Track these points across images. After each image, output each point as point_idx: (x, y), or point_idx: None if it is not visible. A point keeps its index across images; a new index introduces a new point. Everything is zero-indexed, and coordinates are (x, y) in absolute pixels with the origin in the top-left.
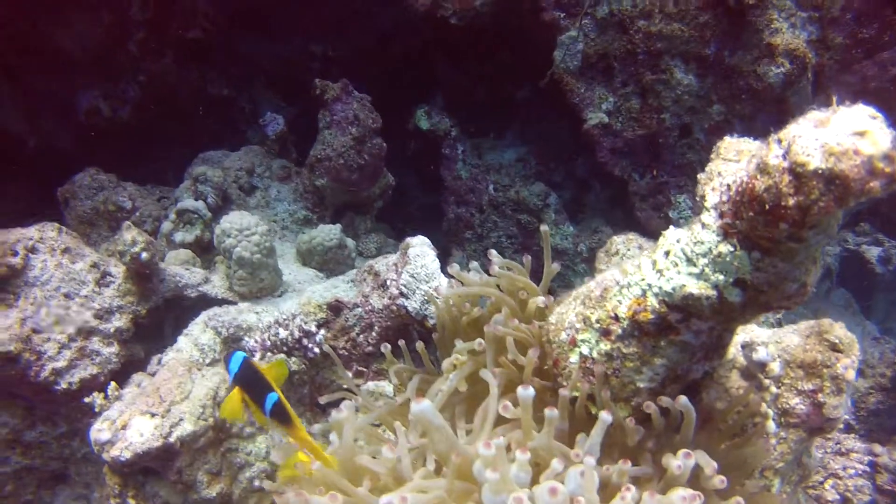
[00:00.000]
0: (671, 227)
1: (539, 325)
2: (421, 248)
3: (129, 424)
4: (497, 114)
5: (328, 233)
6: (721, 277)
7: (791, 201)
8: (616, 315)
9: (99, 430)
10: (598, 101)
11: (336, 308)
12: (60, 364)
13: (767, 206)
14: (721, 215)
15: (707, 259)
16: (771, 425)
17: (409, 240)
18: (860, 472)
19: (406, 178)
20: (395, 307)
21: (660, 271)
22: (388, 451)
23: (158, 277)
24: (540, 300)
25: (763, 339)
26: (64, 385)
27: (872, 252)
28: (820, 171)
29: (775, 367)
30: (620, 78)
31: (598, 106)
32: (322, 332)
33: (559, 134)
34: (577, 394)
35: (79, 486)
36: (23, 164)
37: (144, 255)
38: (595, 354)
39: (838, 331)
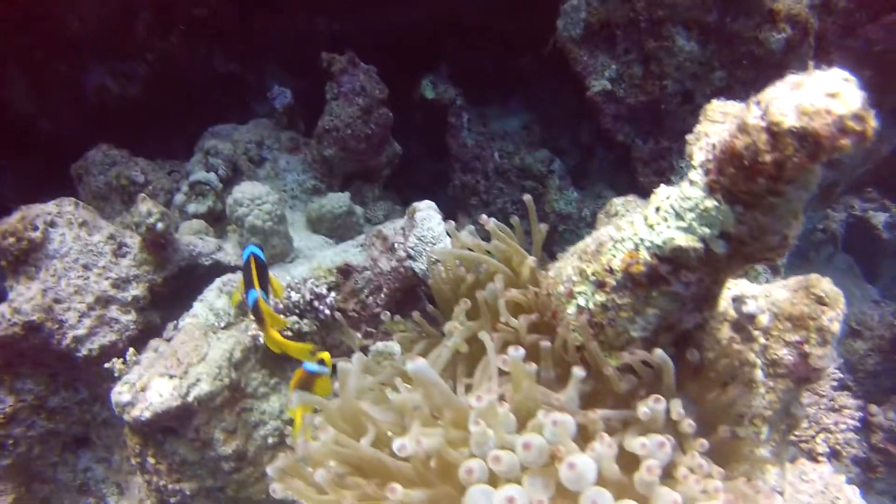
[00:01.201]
0: (662, 185)
1: (534, 290)
2: (427, 213)
3: (149, 386)
4: (502, 83)
5: (337, 201)
6: (707, 230)
7: (768, 157)
8: (611, 268)
9: (119, 393)
10: (601, 69)
11: (346, 272)
12: (81, 332)
13: (747, 163)
14: (707, 172)
15: (694, 213)
16: (759, 374)
17: (415, 204)
18: (851, 427)
19: (413, 148)
20: (402, 269)
21: (651, 226)
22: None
23: (173, 247)
24: (531, 260)
25: (753, 293)
26: (84, 352)
27: (879, 218)
28: (794, 130)
29: (763, 318)
30: (623, 45)
31: (600, 73)
32: (333, 294)
33: (563, 101)
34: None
35: (100, 448)
36: (35, 143)
37: (160, 225)
38: (591, 305)
39: (825, 285)
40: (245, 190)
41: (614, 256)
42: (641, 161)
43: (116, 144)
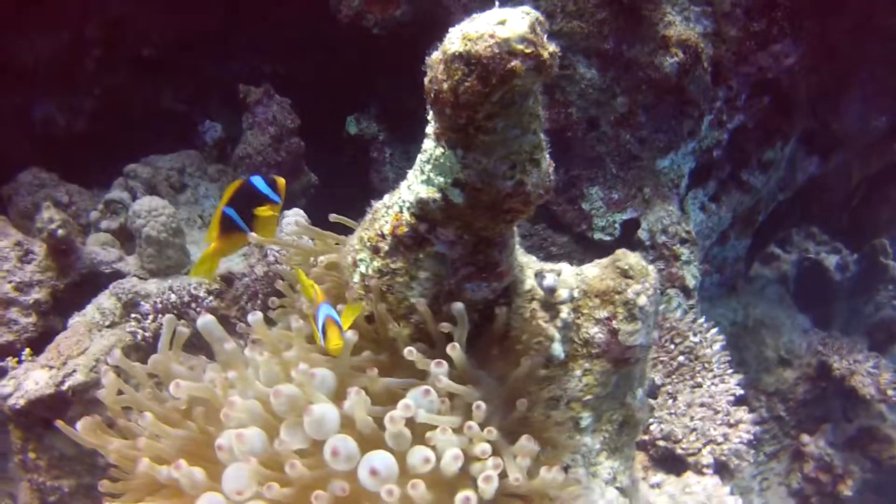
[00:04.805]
0: None
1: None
2: (294, 218)
3: (28, 377)
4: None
5: None
6: (441, 179)
7: (445, 86)
8: (382, 233)
9: (3, 386)
10: None
11: (228, 279)
12: None
13: (433, 96)
14: (434, 122)
15: (430, 165)
16: (557, 347)
17: (285, 212)
18: (743, 440)
19: (351, 187)
20: (272, 273)
21: (409, 186)
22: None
23: (76, 255)
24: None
25: (554, 268)
26: None
27: (831, 260)
28: (458, 54)
29: (563, 292)
30: None
31: None
32: (211, 298)
33: None
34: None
35: None
36: None
37: (60, 231)
38: (370, 272)
39: (630, 258)
40: (143, 203)
41: (386, 222)
42: (553, 190)
43: (64, 175)
